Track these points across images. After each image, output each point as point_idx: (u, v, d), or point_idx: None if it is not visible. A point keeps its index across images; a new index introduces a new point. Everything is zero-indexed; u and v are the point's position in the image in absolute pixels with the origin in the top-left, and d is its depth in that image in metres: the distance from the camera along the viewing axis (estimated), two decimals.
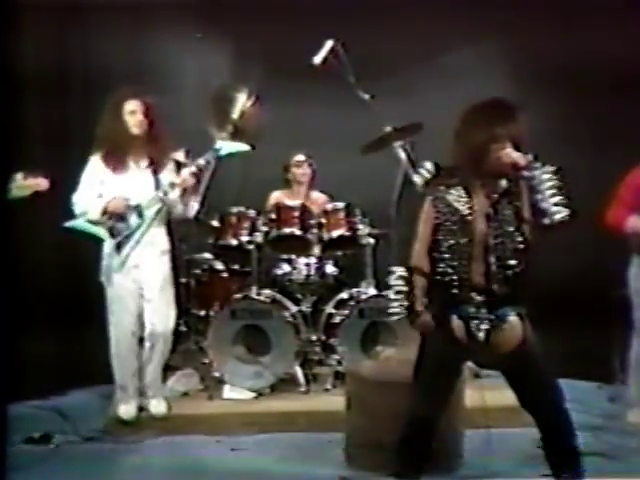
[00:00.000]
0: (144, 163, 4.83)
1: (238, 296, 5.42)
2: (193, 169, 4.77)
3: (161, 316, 4.85)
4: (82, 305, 5.82)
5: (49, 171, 4.42)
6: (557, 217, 3.22)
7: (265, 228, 5.43)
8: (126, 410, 4.89)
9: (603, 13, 5.52)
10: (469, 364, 5.11)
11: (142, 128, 4.77)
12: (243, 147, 5.08)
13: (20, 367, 4.84)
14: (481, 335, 3.34)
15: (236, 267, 5.69)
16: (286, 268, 5.67)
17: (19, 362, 4.80)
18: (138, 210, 4.75)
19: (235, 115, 5.19)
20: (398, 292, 3.45)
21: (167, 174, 4.84)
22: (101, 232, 4.79)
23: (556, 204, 3.22)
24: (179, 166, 4.84)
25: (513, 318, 3.36)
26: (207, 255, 5.50)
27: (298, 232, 5.41)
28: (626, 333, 5.02)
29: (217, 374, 5.28)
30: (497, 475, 4.09)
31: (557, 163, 3.29)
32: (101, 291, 5.82)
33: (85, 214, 4.76)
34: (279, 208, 5.46)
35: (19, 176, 4.27)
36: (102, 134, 4.82)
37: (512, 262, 3.31)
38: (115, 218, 4.75)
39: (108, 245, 4.79)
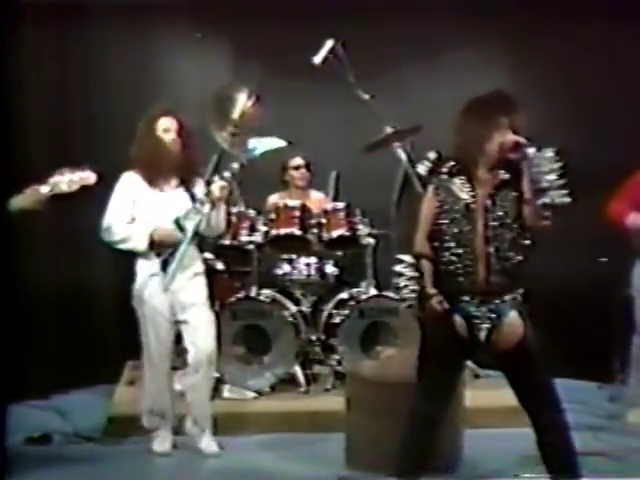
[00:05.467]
0: (175, 182, 4.57)
1: (238, 296, 5.42)
2: (227, 175, 4.54)
3: (203, 336, 4.53)
4: (83, 304, 5.85)
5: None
6: (557, 199, 3.21)
7: (265, 228, 5.43)
8: (163, 443, 4.58)
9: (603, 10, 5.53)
10: (469, 364, 5.12)
11: (175, 147, 4.52)
12: (278, 143, 4.91)
13: (20, 367, 4.85)
14: (482, 334, 3.36)
15: (236, 267, 5.68)
16: (286, 268, 5.66)
17: (19, 362, 4.82)
18: (178, 224, 4.47)
19: (235, 115, 5.18)
20: (409, 278, 3.49)
21: (199, 189, 4.59)
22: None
23: (557, 185, 3.22)
24: (209, 184, 4.58)
25: (513, 316, 3.37)
26: (207, 255, 5.48)
27: (298, 232, 5.40)
28: (626, 333, 5.02)
29: (217, 374, 5.27)
30: (497, 475, 4.09)
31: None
32: (104, 290, 5.86)
33: (126, 241, 4.47)
34: (279, 208, 5.45)
35: (65, 170, 4.02)
36: (138, 152, 4.53)
37: (510, 254, 3.32)
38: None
39: (149, 265, 4.48)
